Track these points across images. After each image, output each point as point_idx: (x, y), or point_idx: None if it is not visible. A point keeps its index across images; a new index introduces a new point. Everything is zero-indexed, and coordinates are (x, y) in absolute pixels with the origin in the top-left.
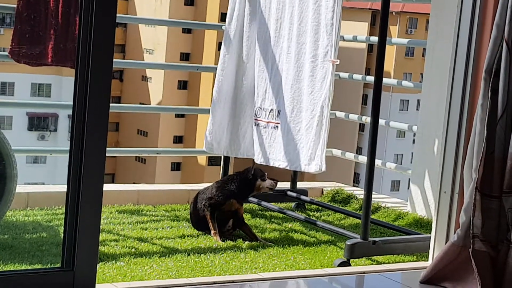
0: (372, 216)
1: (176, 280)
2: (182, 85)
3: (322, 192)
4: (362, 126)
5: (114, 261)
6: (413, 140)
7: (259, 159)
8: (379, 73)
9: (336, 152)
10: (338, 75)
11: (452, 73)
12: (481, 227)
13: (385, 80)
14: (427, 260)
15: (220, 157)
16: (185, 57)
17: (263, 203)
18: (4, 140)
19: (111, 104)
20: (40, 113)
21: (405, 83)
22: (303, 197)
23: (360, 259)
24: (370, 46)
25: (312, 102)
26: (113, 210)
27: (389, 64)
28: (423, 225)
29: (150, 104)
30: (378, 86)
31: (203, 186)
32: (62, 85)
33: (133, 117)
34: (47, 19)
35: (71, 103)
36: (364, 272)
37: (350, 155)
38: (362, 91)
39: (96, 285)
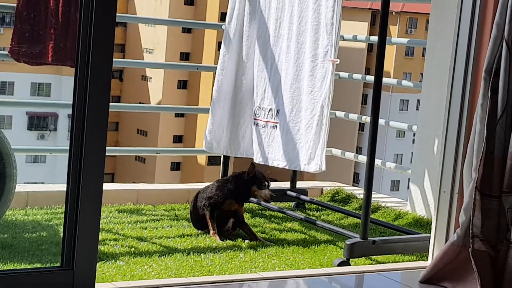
0: (372, 216)
1: (176, 279)
2: (182, 84)
3: (322, 192)
4: (362, 126)
5: (113, 260)
6: (413, 140)
7: (258, 159)
8: (379, 73)
9: (336, 151)
10: (338, 74)
11: (452, 72)
12: (481, 227)
13: (385, 79)
14: (427, 260)
15: (220, 156)
16: (185, 56)
17: (263, 202)
18: (4, 139)
19: (110, 104)
20: (40, 112)
21: (405, 82)
22: (302, 196)
23: (359, 258)
24: (370, 46)
25: (312, 102)
26: (112, 210)
27: (389, 64)
28: (423, 224)
29: (149, 103)
30: (378, 85)
31: (203, 186)
32: (62, 84)
33: (132, 117)
34: (47, 18)
35: (71, 102)
36: (363, 272)
37: (349, 155)
38: (362, 90)
39: (96, 284)
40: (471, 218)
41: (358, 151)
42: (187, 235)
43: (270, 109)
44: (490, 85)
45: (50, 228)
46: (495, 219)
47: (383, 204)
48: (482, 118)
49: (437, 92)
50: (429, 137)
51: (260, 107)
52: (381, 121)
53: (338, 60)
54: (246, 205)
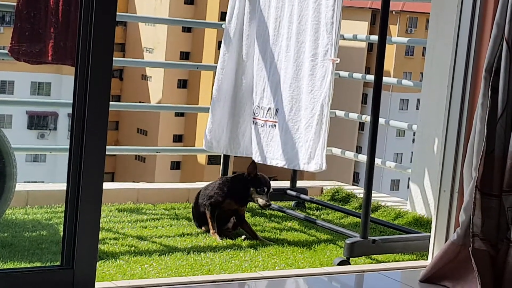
0: (372, 215)
1: (176, 278)
2: (182, 84)
3: (322, 191)
4: (362, 125)
5: (113, 259)
6: (413, 139)
7: (256, 158)
8: (379, 72)
9: (336, 151)
10: (338, 74)
11: (452, 72)
12: (481, 226)
13: (385, 79)
14: (427, 259)
15: (220, 155)
16: (185, 56)
17: None
18: (4, 138)
19: (111, 103)
20: (40, 111)
21: (405, 82)
22: (302, 195)
23: (359, 257)
24: (370, 45)
25: (311, 101)
26: (112, 209)
27: (389, 63)
28: (423, 224)
29: (150, 102)
30: (378, 85)
31: (203, 185)
32: (62, 83)
33: (132, 116)
34: (47, 17)
35: (71, 101)
36: (363, 271)
37: (350, 154)
38: (362, 90)
39: (96, 283)
40: (471, 217)
41: (358, 150)
42: (187, 234)
43: (269, 108)
44: (490, 84)
45: (50, 227)
46: (495, 218)
47: (383, 204)
48: (482, 117)
49: (437, 92)
50: (429, 136)
51: (259, 106)
52: (381, 121)
53: (338, 59)
54: None
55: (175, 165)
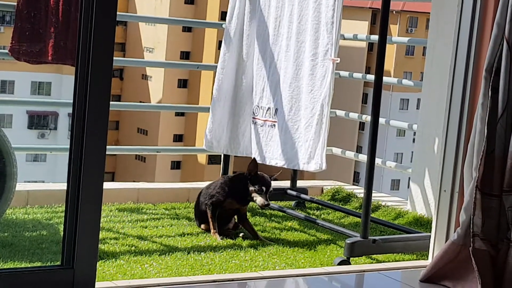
0: (372, 215)
1: (176, 278)
2: (182, 83)
3: (322, 191)
4: (362, 125)
5: (114, 259)
6: (413, 139)
7: (256, 158)
8: (379, 72)
9: (336, 150)
10: (338, 73)
11: (452, 72)
12: (481, 226)
13: (385, 79)
14: (427, 259)
15: (220, 155)
16: (185, 55)
17: None
18: (4, 138)
19: (111, 103)
20: (40, 111)
21: (405, 82)
22: (303, 195)
23: (360, 257)
24: (371, 45)
25: (311, 101)
26: (113, 208)
27: (389, 63)
28: (423, 223)
29: (150, 102)
30: (378, 85)
31: (203, 185)
32: (62, 83)
33: (133, 116)
34: (47, 17)
35: (71, 101)
36: (364, 271)
37: (350, 154)
38: (362, 89)
39: (96, 283)
40: (472, 217)
41: (359, 150)
42: (188, 234)
43: (269, 108)
44: (490, 84)
45: (51, 226)
46: (495, 218)
47: (383, 203)
48: (482, 117)
49: (438, 91)
50: (430, 136)
51: (258, 106)
52: (381, 120)
53: (339, 59)
54: None
55: (176, 165)
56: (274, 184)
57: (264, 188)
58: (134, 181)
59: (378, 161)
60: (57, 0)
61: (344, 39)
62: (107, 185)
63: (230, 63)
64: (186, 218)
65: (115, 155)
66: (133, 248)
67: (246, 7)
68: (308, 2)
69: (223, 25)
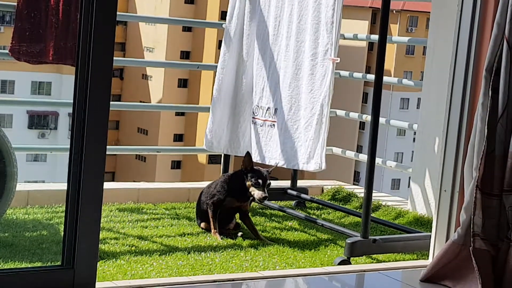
0: (373, 215)
1: (176, 278)
2: (182, 83)
3: (322, 191)
4: (362, 125)
5: (114, 259)
6: (414, 139)
7: (256, 157)
8: (380, 72)
9: (337, 150)
10: (339, 73)
11: (452, 71)
12: (482, 226)
13: (385, 78)
14: (428, 259)
15: (221, 155)
16: (185, 55)
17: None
18: (4, 138)
19: (111, 102)
20: (40, 111)
21: (405, 81)
22: (303, 195)
23: (360, 257)
24: (371, 45)
25: (311, 101)
26: (113, 208)
27: (390, 62)
28: (424, 223)
29: (150, 102)
30: (378, 84)
31: (203, 185)
32: (62, 83)
33: (133, 115)
34: (47, 17)
35: (71, 101)
36: (364, 271)
37: (350, 154)
38: (362, 89)
39: (96, 283)
40: (472, 217)
41: (359, 149)
42: (188, 234)
43: (268, 108)
44: (490, 84)
45: (51, 227)
46: (495, 217)
47: (383, 203)
48: (482, 117)
49: (438, 91)
50: (430, 136)
51: (258, 106)
52: (381, 120)
53: (338, 58)
54: None
55: (176, 165)
56: (275, 183)
57: (260, 181)
58: (134, 181)
59: (378, 160)
60: (57, 0)
61: (344, 38)
62: (107, 185)
63: (230, 63)
64: (186, 218)
65: (115, 155)
66: (133, 248)
67: (246, 7)
68: (308, 1)
69: (223, 25)
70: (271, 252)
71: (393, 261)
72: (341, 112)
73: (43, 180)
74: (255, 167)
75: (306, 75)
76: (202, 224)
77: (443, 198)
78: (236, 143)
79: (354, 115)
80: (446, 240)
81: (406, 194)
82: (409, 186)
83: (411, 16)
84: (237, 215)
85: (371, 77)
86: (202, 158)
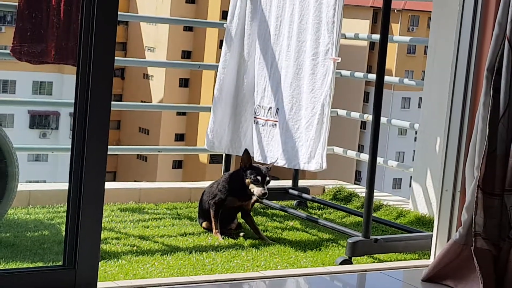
0: (374, 214)
1: (178, 278)
2: (184, 83)
3: (324, 190)
4: (363, 124)
5: (115, 259)
6: (415, 138)
7: (257, 157)
8: (381, 71)
9: (338, 150)
10: (340, 73)
11: (454, 71)
12: (483, 225)
13: (386, 78)
14: (429, 258)
15: (222, 154)
16: (186, 55)
17: (265, 201)
18: (5, 138)
19: (112, 103)
20: (42, 111)
21: (406, 81)
22: (304, 195)
23: (361, 257)
24: (372, 44)
25: (312, 100)
26: (114, 208)
27: (391, 62)
28: (425, 223)
29: (151, 102)
30: (379, 84)
31: (205, 185)
32: (64, 83)
33: (134, 115)
34: (48, 17)
35: (73, 101)
36: (365, 270)
37: (351, 153)
38: (363, 89)
39: (98, 283)
40: (473, 216)
41: (360, 149)
42: (189, 234)
43: (270, 108)
44: (492, 83)
45: (52, 227)
46: (497, 217)
47: (385, 203)
48: (484, 117)
49: (439, 90)
50: (431, 135)
51: (260, 106)
52: (383, 119)
53: (339, 58)
54: None
55: (177, 164)
56: (276, 183)
57: (259, 178)
58: (135, 181)
59: (379, 160)
60: (58, 0)
61: (345, 38)
62: (108, 185)
63: (231, 62)
64: (187, 218)
65: (116, 154)
66: (135, 248)
67: (247, 7)
68: (309, 1)
69: (224, 25)
70: (273, 252)
71: (394, 260)
72: (342, 112)
73: (45, 180)
74: (254, 164)
75: (307, 74)
76: (204, 224)
77: (444, 198)
78: (237, 143)
79: (355, 114)
80: (448, 240)
81: (407, 194)
82: (410, 185)
83: (412, 15)
84: (239, 215)
85: (372, 76)
86: (204, 157)
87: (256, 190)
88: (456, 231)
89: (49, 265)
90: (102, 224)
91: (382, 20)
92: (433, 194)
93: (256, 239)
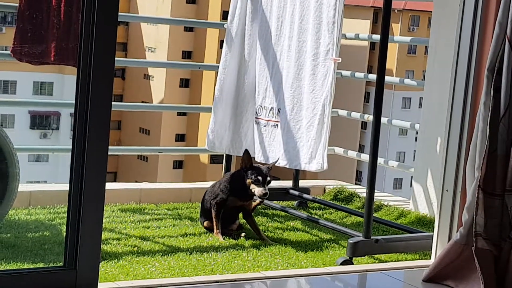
0: (375, 214)
1: (179, 278)
2: (184, 83)
3: (324, 190)
4: (364, 124)
5: (116, 259)
6: (416, 138)
7: (259, 158)
8: (381, 71)
9: (339, 150)
10: (340, 73)
11: (454, 71)
12: (484, 226)
13: (387, 78)
14: (430, 259)
15: (223, 155)
16: (187, 55)
17: (265, 201)
18: (6, 138)
19: (113, 103)
20: (42, 111)
21: (407, 81)
22: (305, 195)
23: (362, 257)
24: (372, 44)
25: (313, 101)
26: (115, 209)
27: (391, 62)
28: (426, 223)
29: (152, 102)
30: (380, 84)
31: (205, 185)
32: (64, 83)
33: (135, 116)
34: (49, 18)
35: (73, 101)
36: (366, 271)
37: (352, 153)
38: (364, 89)
39: (99, 284)
40: (474, 216)
41: (361, 149)
42: (190, 234)
43: (271, 108)
44: (492, 83)
45: (53, 227)
46: (498, 217)
47: (385, 203)
48: (484, 117)
49: (440, 90)
50: (432, 136)
51: (261, 106)
52: (383, 120)
53: (340, 58)
54: None
55: (178, 164)
56: (277, 183)
57: (260, 178)
58: (136, 181)
59: (380, 160)
60: (59, 1)
61: (346, 38)
62: (109, 185)
63: (232, 63)
64: (188, 218)
65: (117, 155)
66: (135, 248)
67: (247, 7)
68: (310, 1)
69: (225, 25)
70: (273, 252)
71: (395, 261)
72: (343, 112)
73: (45, 181)
74: (254, 164)
75: (308, 75)
76: (205, 223)
77: (445, 198)
78: (238, 143)
79: (356, 115)
80: (448, 240)
81: (408, 194)
82: (411, 185)
83: (413, 15)
84: (241, 215)
85: (373, 76)
86: (204, 158)
87: (257, 190)
88: (457, 231)
89: (50, 265)
90: (103, 225)
91: (382, 20)
92: (433, 194)
93: (257, 240)
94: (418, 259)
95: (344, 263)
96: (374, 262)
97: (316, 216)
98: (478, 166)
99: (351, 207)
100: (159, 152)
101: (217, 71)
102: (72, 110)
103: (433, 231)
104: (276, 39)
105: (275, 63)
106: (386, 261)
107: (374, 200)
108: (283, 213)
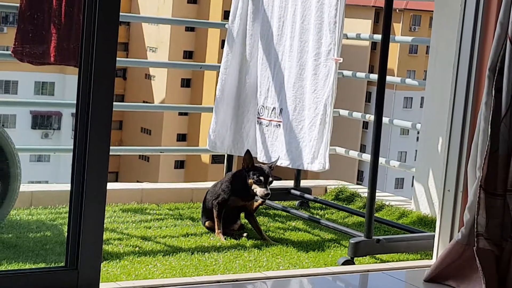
0: (376, 214)
1: (180, 278)
2: (185, 83)
3: (326, 190)
4: (365, 124)
5: (118, 260)
6: (417, 138)
7: (261, 158)
8: (383, 71)
9: (340, 150)
10: (342, 73)
11: (456, 71)
12: (485, 225)
13: (388, 78)
14: (431, 259)
15: (224, 155)
16: (188, 55)
17: (267, 201)
18: (8, 139)
19: (114, 103)
20: (44, 111)
21: (408, 81)
22: (306, 195)
23: (364, 257)
24: (374, 44)
25: (315, 101)
26: (116, 209)
27: (393, 61)
28: (427, 223)
29: (153, 102)
30: (381, 84)
31: (207, 185)
32: (66, 83)
33: (136, 116)
34: (50, 18)
35: (75, 101)
36: (368, 271)
37: (353, 153)
38: (365, 89)
39: (100, 284)
40: (476, 216)
41: (362, 149)
42: (191, 234)
43: (274, 108)
44: (494, 83)
45: (55, 227)
46: (499, 217)
47: (387, 203)
48: (486, 117)
49: (441, 90)
50: (433, 135)
51: (263, 106)
52: (385, 119)
53: (341, 58)
54: None
55: (179, 164)
56: (278, 183)
57: (262, 178)
58: (138, 181)
59: (381, 160)
60: (60, 1)
61: (347, 38)
62: (110, 185)
63: (233, 63)
64: (189, 218)
65: (118, 155)
66: (137, 248)
67: (249, 7)
68: (311, 1)
69: (226, 25)
70: (275, 252)
71: (396, 261)
72: (344, 112)
73: (47, 181)
74: (256, 165)
75: (310, 75)
76: (207, 223)
77: (446, 198)
78: (239, 143)
79: (357, 114)
80: (450, 240)
81: (409, 194)
82: (412, 185)
83: (414, 15)
84: (242, 215)
85: (374, 76)
86: (206, 158)
87: (259, 190)
88: (458, 231)
89: (51, 266)
90: (104, 225)
91: (384, 20)
92: (435, 194)
93: (259, 240)
94: (419, 259)
95: (346, 263)
96: (376, 262)
97: (317, 216)
98: (480, 166)
99: (353, 207)
100: (161, 152)
101: (219, 71)
102: (74, 110)
103: (434, 231)
104: (277, 39)
105: (277, 63)
106: (388, 261)
107: (376, 200)
108: (284, 213)
